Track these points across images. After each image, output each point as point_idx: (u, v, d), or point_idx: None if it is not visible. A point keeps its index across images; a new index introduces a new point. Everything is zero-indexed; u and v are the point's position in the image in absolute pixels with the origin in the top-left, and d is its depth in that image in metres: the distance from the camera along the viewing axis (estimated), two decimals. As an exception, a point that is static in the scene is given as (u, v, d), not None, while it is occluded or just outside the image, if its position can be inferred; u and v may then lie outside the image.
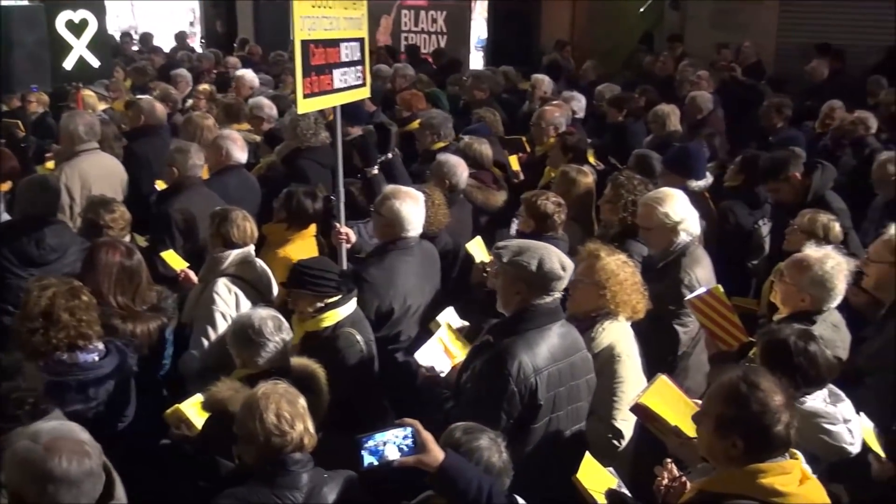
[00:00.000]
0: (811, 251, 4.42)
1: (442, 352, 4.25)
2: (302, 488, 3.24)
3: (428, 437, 2.95)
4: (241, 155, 6.65)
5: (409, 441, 2.94)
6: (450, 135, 7.64)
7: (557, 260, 3.81)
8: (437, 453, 2.93)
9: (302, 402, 3.36)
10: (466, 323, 4.53)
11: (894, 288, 4.37)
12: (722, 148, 7.87)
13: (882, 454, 3.67)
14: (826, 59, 11.68)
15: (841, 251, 4.54)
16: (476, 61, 16.21)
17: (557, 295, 3.86)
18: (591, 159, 7.87)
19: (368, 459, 2.90)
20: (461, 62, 14.46)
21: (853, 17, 12.75)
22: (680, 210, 4.99)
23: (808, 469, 3.17)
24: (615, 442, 4.09)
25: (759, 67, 12.33)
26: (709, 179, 6.36)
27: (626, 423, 4.08)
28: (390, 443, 2.93)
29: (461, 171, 6.34)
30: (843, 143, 7.98)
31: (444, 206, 5.75)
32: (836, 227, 5.22)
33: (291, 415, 3.25)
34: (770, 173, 6.33)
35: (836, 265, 4.31)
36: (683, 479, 3.16)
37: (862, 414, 3.86)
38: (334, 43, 5.31)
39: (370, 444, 2.91)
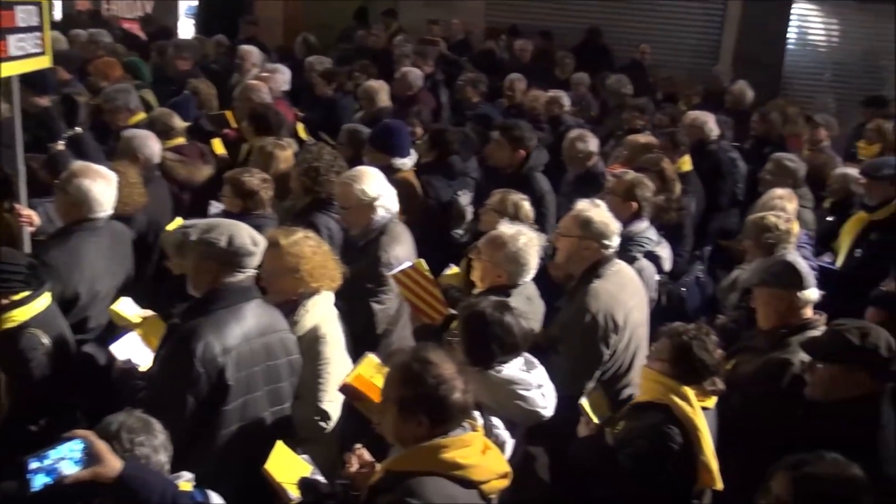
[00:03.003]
0: (505, 228, 4.59)
1: (141, 344, 4.00)
2: None
3: (102, 446, 2.73)
4: None
5: (83, 454, 2.70)
6: (140, 107, 7.20)
7: (248, 235, 3.72)
8: (113, 463, 2.72)
9: None
10: (149, 312, 4.31)
11: (582, 261, 4.60)
12: (427, 123, 8.00)
13: (594, 419, 3.93)
14: (524, 40, 12.27)
15: (533, 228, 4.76)
16: (186, 29, 15.52)
17: (250, 272, 3.76)
18: (303, 134, 7.79)
19: (41, 480, 2.62)
20: (172, 30, 13.79)
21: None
22: (376, 187, 5.01)
23: (504, 435, 3.33)
24: (322, 424, 4.07)
25: (466, 45, 12.74)
26: (413, 157, 6.45)
27: (332, 404, 4.07)
28: (65, 458, 2.67)
29: (152, 144, 5.98)
30: (540, 121, 8.40)
31: (139, 185, 5.41)
32: (526, 205, 5.44)
33: None
34: (517, 140, 6.60)
35: (528, 241, 4.51)
36: (373, 462, 3.18)
37: (597, 384, 4.11)
38: (8, 6, 4.82)
39: (41, 464, 2.63)
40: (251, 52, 9.80)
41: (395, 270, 4.63)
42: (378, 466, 3.10)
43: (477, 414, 3.39)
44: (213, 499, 3.08)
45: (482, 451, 2.97)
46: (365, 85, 8.51)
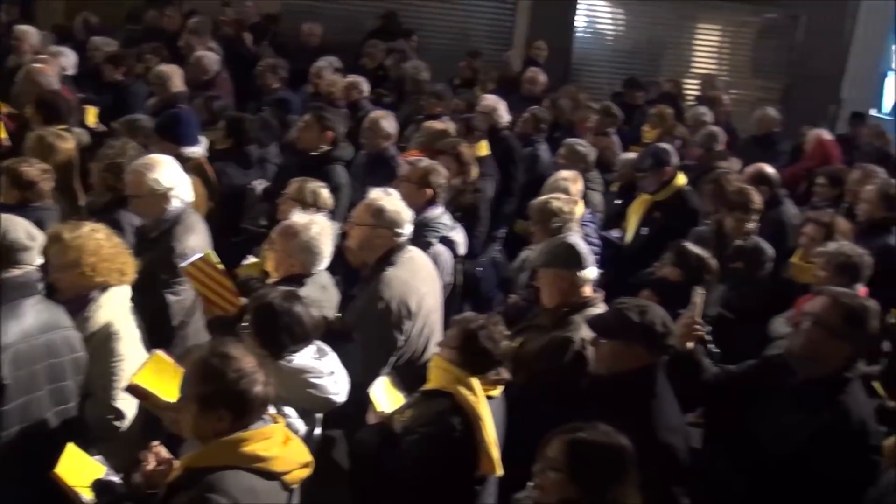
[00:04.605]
0: (297, 218, 4.59)
1: None
2: None
3: None
4: None
5: None
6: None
7: (23, 230, 3.57)
8: None
9: None
10: None
11: (376, 249, 4.65)
12: (224, 110, 7.81)
13: (379, 409, 3.98)
14: (317, 24, 12.19)
15: (328, 216, 4.79)
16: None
17: (28, 267, 3.60)
18: (92, 120, 7.44)
19: None
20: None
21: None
22: (170, 177, 4.88)
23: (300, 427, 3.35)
24: (116, 423, 3.95)
25: (262, 27, 12.48)
26: (204, 145, 6.29)
27: (126, 402, 3.93)
28: None
29: None
30: (339, 106, 8.40)
31: None
32: (325, 193, 5.44)
33: None
34: (325, 120, 6.55)
35: (321, 230, 4.52)
36: (171, 459, 3.14)
37: (391, 371, 4.19)
38: None
39: None
40: (28, 32, 9.10)
41: (185, 263, 4.53)
42: (176, 463, 3.06)
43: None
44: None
45: (284, 442, 2.99)
46: (156, 70, 8.15)
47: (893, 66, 14.19)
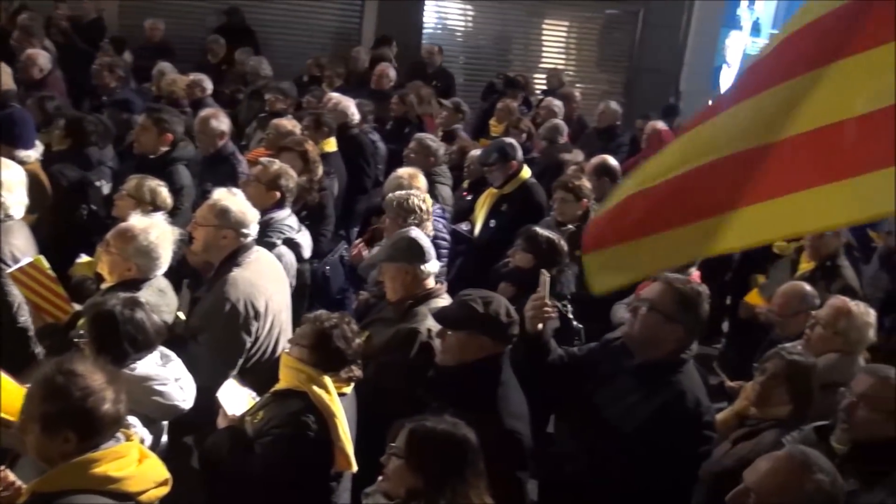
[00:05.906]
0: (136, 221, 4.45)
1: None
2: None
3: None
4: None
5: None
6: None
7: None
8: None
9: None
10: None
11: (221, 250, 4.55)
12: (58, 110, 7.45)
13: (229, 413, 3.91)
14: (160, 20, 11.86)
15: (168, 218, 4.67)
16: None
17: None
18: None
19: None
20: None
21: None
22: (13, 187, 4.66)
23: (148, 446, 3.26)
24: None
25: (98, 24, 11.99)
26: (39, 148, 6.00)
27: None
28: None
29: None
30: (181, 105, 8.19)
31: None
32: (164, 192, 5.32)
33: None
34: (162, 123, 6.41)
35: (160, 234, 4.40)
36: (17, 484, 2.97)
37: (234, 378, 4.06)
38: None
39: None
40: None
41: (13, 268, 4.31)
42: (24, 488, 2.89)
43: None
44: None
45: (139, 461, 2.87)
46: (-20, 68, 7.76)
47: (727, 59, 14.95)
